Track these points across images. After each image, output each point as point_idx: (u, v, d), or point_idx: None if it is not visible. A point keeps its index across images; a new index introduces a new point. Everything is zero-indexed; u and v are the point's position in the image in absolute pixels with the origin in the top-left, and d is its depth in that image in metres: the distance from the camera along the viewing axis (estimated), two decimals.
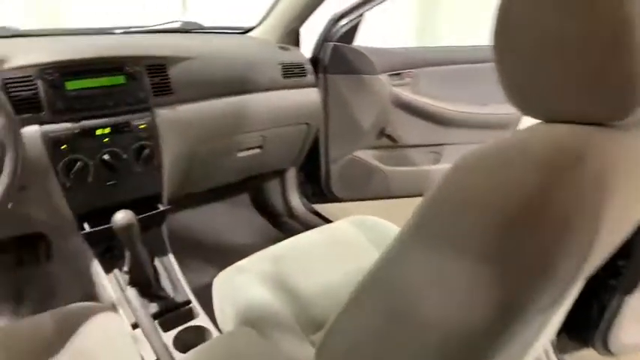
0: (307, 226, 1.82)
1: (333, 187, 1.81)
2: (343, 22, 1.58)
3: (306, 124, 1.54)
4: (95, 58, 1.04)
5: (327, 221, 1.80)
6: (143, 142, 1.09)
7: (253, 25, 1.59)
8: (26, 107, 0.95)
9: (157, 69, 1.12)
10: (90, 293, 1.15)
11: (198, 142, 1.27)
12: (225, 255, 1.68)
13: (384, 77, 1.66)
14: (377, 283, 0.53)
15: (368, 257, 1.03)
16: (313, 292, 0.94)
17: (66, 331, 0.82)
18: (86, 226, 1.06)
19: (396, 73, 1.69)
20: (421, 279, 0.47)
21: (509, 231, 0.40)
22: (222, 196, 1.96)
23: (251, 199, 2.02)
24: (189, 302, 1.06)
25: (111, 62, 1.06)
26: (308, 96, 1.51)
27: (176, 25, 1.48)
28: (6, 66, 0.93)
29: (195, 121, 1.23)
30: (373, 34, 1.86)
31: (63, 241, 1.16)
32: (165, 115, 1.14)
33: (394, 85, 1.69)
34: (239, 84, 1.32)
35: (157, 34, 1.39)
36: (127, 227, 0.89)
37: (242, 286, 0.96)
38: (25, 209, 1.04)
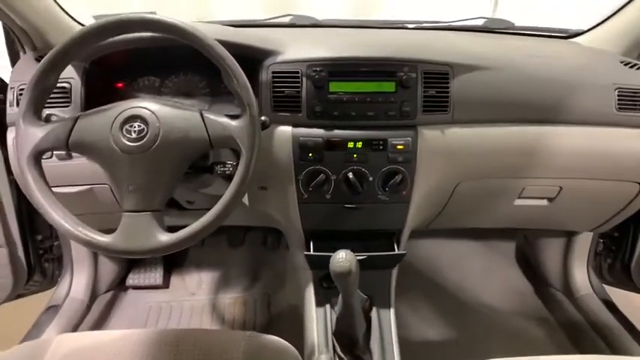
0: (588, 317, 1.30)
1: None
2: None
3: (639, 183, 1.00)
4: (367, 58, 0.86)
5: (624, 323, 1.22)
6: (396, 167, 0.88)
7: (585, 28, 1.14)
8: (286, 106, 0.86)
9: (437, 78, 0.87)
10: (301, 311, 1.05)
11: (465, 177, 0.97)
12: (461, 315, 1.36)
13: None
14: None
15: None
16: None
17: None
18: (311, 244, 0.94)
19: None
20: None
21: None
22: (476, 236, 1.59)
23: (516, 250, 1.59)
24: None
25: (384, 65, 0.86)
26: None
27: (479, 23, 1.18)
28: (279, 59, 0.86)
29: (468, 150, 0.92)
30: None
31: (292, 247, 1.08)
32: (431, 137, 0.88)
33: None
34: (546, 110, 0.92)
35: (451, 33, 1.13)
36: (345, 274, 0.69)
37: None
38: (264, 207, 0.99)
